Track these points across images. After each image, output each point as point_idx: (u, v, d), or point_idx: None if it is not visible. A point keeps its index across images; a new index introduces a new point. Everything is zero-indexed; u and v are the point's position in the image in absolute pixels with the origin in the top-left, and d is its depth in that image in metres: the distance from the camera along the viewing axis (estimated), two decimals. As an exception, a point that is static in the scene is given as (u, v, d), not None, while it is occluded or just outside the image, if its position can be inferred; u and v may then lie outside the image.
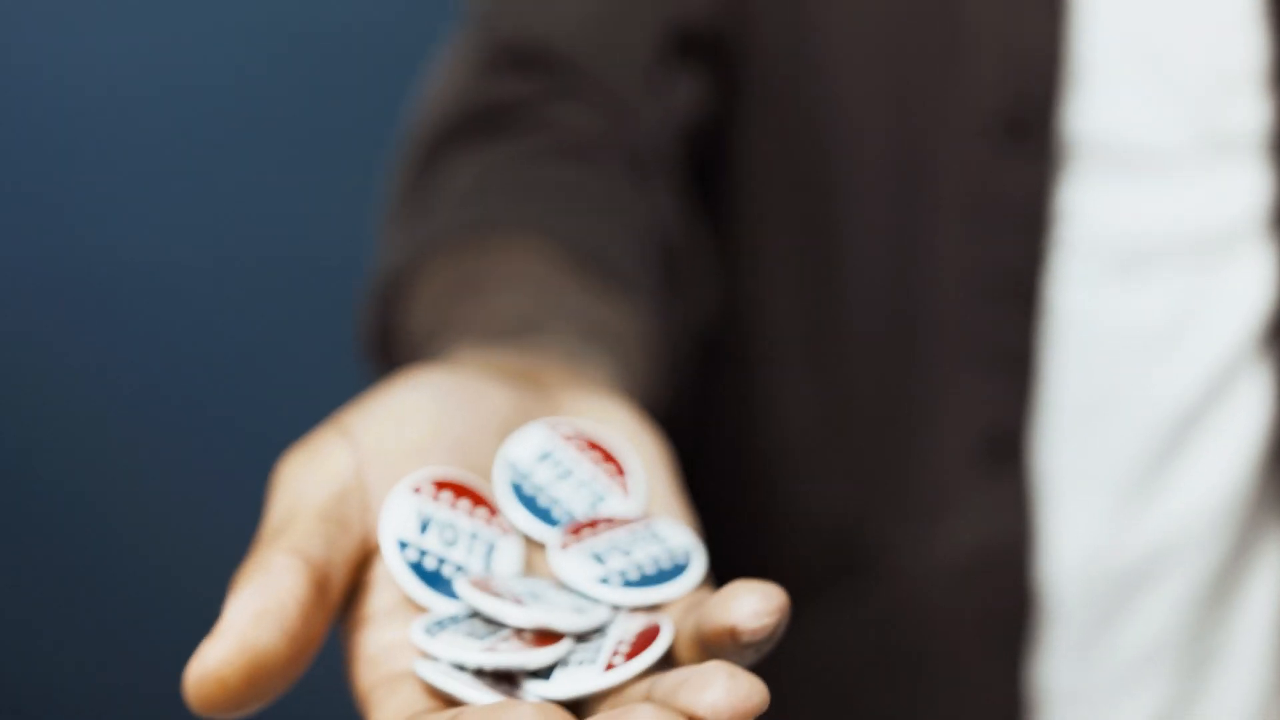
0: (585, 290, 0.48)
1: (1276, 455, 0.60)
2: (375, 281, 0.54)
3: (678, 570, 0.33)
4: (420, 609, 0.33)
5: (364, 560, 0.33)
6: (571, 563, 0.33)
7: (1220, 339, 0.58)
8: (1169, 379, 0.58)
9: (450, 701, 0.29)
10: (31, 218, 1.10)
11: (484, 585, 0.32)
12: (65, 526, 1.16)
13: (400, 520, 0.33)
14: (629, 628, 0.32)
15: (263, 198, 1.10)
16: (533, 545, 0.36)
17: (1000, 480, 0.58)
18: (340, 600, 0.32)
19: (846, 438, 0.61)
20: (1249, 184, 0.57)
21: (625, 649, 0.31)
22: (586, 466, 0.36)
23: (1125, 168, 0.56)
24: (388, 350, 0.53)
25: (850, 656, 0.62)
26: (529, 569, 0.35)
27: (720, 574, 0.40)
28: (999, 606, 0.59)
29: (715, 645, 0.29)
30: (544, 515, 0.35)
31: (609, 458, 0.36)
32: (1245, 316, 0.58)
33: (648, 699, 0.28)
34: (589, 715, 0.31)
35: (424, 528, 0.33)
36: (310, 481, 0.33)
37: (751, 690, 0.27)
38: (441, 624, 0.31)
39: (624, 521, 0.35)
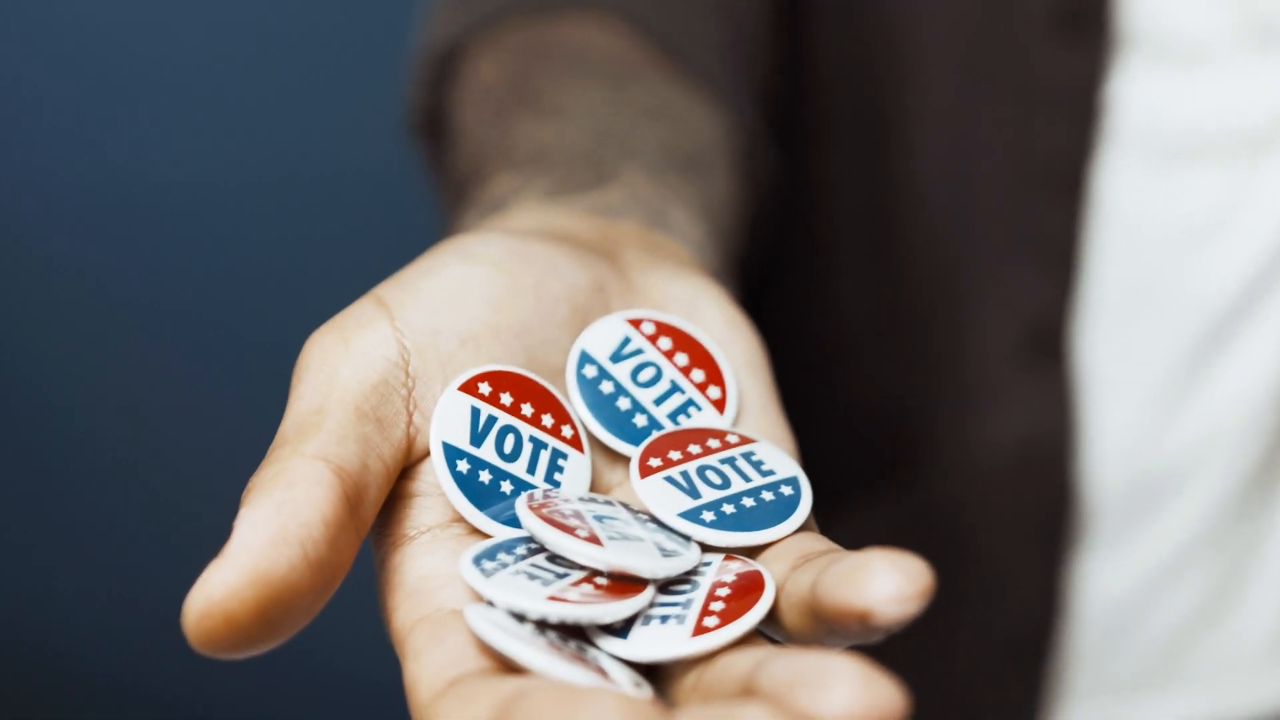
0: (667, 90, 0.43)
1: None
2: (422, 56, 0.49)
3: (782, 507, 0.28)
4: (474, 532, 0.27)
5: (406, 467, 0.28)
6: (657, 491, 0.27)
7: (1264, 232, 0.55)
8: (1212, 272, 0.56)
9: (508, 661, 0.24)
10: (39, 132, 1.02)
11: (551, 513, 0.26)
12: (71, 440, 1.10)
13: (452, 424, 0.27)
14: (723, 578, 0.26)
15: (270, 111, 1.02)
16: (602, 457, 0.30)
17: (1043, 374, 0.56)
18: (374, 516, 0.27)
19: (898, 329, 0.58)
20: None
21: (720, 607, 0.25)
22: (674, 370, 0.30)
23: (1172, 59, 0.53)
24: (436, 133, 0.48)
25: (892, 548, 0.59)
26: (598, 485, 0.30)
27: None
28: (1040, 501, 0.57)
29: (836, 624, 0.24)
30: (622, 425, 0.29)
31: (700, 360, 0.30)
32: None
33: (752, 689, 0.23)
34: (670, 679, 0.25)
35: (480, 434, 0.27)
36: (345, 368, 0.27)
37: (890, 700, 0.21)
38: (495, 554, 0.26)
39: (719, 439, 0.29)
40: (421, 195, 0.55)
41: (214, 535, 0.25)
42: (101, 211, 1.01)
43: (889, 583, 0.23)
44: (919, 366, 0.58)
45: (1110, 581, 0.59)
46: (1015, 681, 0.60)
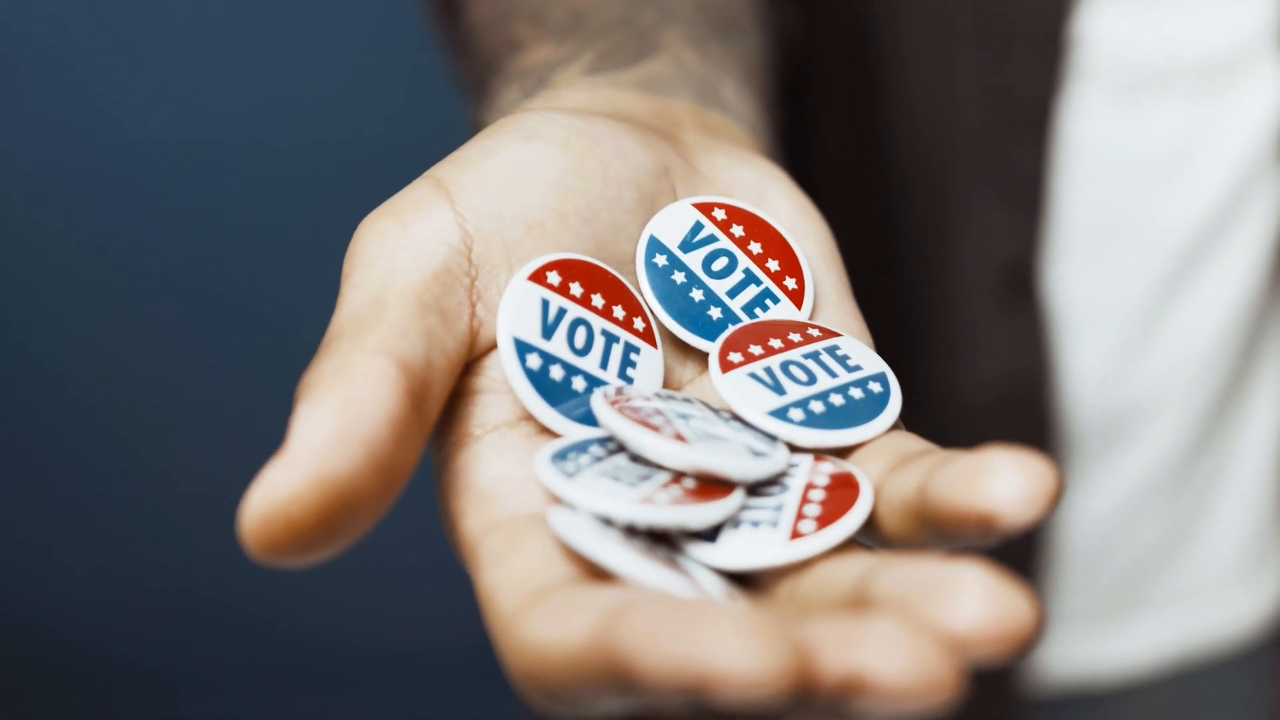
0: None
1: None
2: None
3: (872, 405, 0.26)
4: (543, 431, 0.25)
5: (468, 362, 0.26)
6: (741, 388, 0.25)
7: (1229, 161, 0.55)
8: (1177, 205, 0.56)
9: (594, 567, 0.22)
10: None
11: (630, 410, 0.24)
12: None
13: (521, 316, 0.25)
14: (815, 480, 0.24)
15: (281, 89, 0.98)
16: (673, 351, 0.28)
17: (1019, 313, 0.56)
18: (438, 414, 0.25)
19: (880, 273, 0.57)
20: (1257, 4, 0.53)
21: (815, 511, 0.23)
22: (748, 259, 0.28)
23: None
24: None
25: None
26: (669, 382, 0.28)
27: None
28: (1020, 438, 0.56)
29: (951, 529, 0.22)
30: (696, 318, 0.27)
31: (774, 249, 0.28)
32: (1254, 137, 0.55)
33: (866, 599, 0.21)
34: (762, 588, 0.24)
35: (550, 327, 0.25)
36: (404, 255, 0.25)
37: (1022, 610, 0.20)
38: (568, 455, 0.24)
39: (800, 332, 0.27)
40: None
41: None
42: (103, 172, 0.98)
43: (1013, 483, 0.21)
44: (902, 310, 0.57)
45: (1084, 513, 0.59)
46: None
